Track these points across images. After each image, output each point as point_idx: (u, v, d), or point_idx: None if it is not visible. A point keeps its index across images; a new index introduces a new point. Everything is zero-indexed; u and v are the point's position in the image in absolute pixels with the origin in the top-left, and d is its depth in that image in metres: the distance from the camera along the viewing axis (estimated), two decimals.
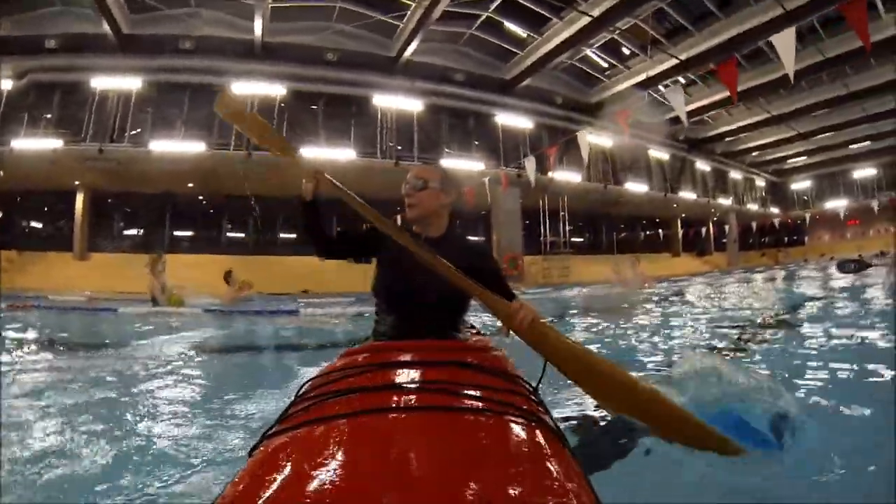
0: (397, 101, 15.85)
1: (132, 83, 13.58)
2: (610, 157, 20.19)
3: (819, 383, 2.40)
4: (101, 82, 13.45)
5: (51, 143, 12.87)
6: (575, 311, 7.66)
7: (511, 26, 15.28)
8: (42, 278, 11.63)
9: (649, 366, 3.21)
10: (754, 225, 25.84)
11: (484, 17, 14.69)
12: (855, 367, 2.64)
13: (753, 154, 26.77)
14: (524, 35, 15.62)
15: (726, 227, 26.34)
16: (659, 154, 22.17)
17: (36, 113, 13.39)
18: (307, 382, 1.13)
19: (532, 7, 14.02)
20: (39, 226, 16.06)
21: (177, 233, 16.57)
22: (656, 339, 4.34)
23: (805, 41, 13.85)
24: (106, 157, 12.99)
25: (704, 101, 18.69)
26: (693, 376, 1.81)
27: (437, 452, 0.74)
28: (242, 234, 17.22)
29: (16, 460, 1.66)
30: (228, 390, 2.62)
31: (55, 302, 8.10)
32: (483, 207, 16.02)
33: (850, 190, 28.53)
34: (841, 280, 10.01)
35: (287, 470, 0.71)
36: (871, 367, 2.58)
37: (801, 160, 28.32)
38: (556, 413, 1.37)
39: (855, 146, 25.31)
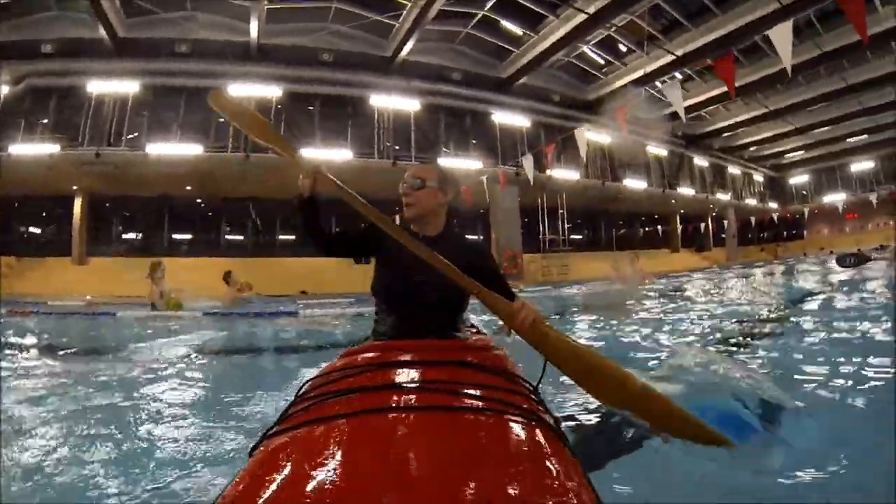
0: (394, 101, 15.86)
1: (129, 87, 13.57)
2: (608, 154, 20.21)
3: (819, 379, 2.40)
4: (97, 86, 13.44)
5: (48, 148, 12.84)
6: (576, 310, 7.65)
7: (507, 24, 15.28)
8: (41, 284, 11.62)
9: (650, 363, 3.20)
10: (753, 220, 25.87)
11: (480, 15, 14.69)
12: (855, 361, 2.63)
13: (751, 149, 26.81)
14: (520, 33, 15.62)
15: (725, 223, 26.38)
16: (657, 150, 22.19)
17: (33, 118, 13.37)
18: (307, 382, 1.12)
19: (528, 5, 14.02)
20: (38, 231, 16.02)
21: (175, 236, 16.55)
22: (656, 335, 4.34)
23: (802, 35, 13.88)
24: (103, 161, 12.96)
25: (702, 97, 18.72)
26: (685, 371, 1.82)
27: (437, 452, 0.74)
28: (241, 237, 17.21)
29: (17, 462, 1.66)
30: (228, 392, 2.62)
31: (54, 307, 8.09)
32: (482, 206, 16.04)
33: (848, 184, 28.56)
34: (840, 274, 10.01)
35: (287, 470, 0.71)
36: (871, 361, 2.58)
37: (799, 154, 28.35)
38: (557, 412, 1.36)
39: (852, 140, 25.34)
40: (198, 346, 4.42)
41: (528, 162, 11.33)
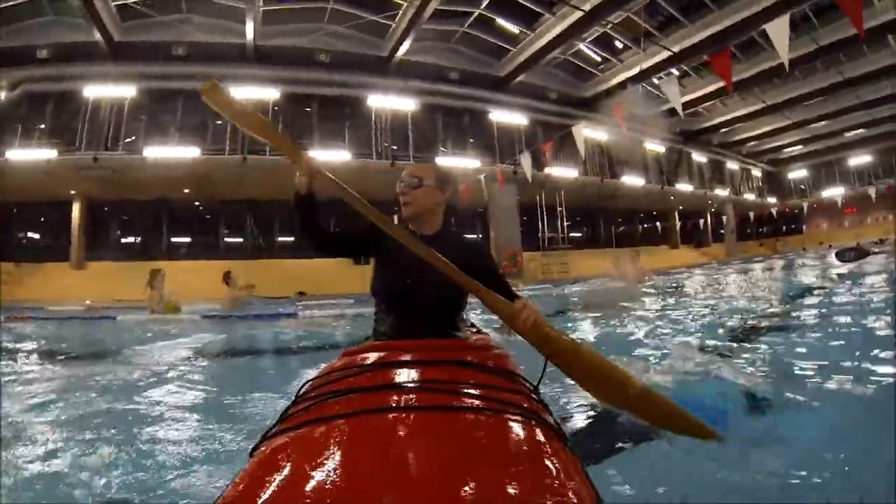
0: (391, 101, 15.86)
1: (125, 91, 13.56)
2: (606, 151, 20.22)
3: (819, 374, 2.39)
4: (93, 91, 13.42)
5: (45, 154, 12.85)
6: (576, 309, 7.64)
7: (503, 23, 15.27)
8: (40, 289, 11.60)
9: (650, 360, 3.20)
10: (752, 215, 25.90)
11: (476, 14, 14.68)
12: (856, 355, 2.63)
13: (749, 144, 26.82)
14: (516, 31, 15.61)
15: (724, 218, 26.40)
16: (655, 147, 22.20)
17: (29, 123, 13.35)
18: (307, 383, 1.12)
19: (524, 3, 14.01)
20: (36, 237, 16.01)
21: (174, 239, 16.54)
22: (655, 332, 4.33)
23: (799, 30, 13.89)
24: (101, 165, 12.95)
25: (699, 93, 18.71)
26: (680, 369, 1.83)
27: (437, 452, 0.74)
28: (240, 239, 17.20)
29: (17, 464, 1.66)
30: (228, 393, 2.62)
31: (53, 312, 8.08)
32: (480, 205, 16.03)
33: (846, 178, 28.58)
34: (840, 268, 10.01)
35: (287, 470, 0.71)
36: (872, 356, 2.57)
37: (797, 149, 28.38)
38: (557, 412, 1.36)
39: (850, 134, 25.36)
40: (197, 349, 4.42)
41: (525, 160, 11.32)
